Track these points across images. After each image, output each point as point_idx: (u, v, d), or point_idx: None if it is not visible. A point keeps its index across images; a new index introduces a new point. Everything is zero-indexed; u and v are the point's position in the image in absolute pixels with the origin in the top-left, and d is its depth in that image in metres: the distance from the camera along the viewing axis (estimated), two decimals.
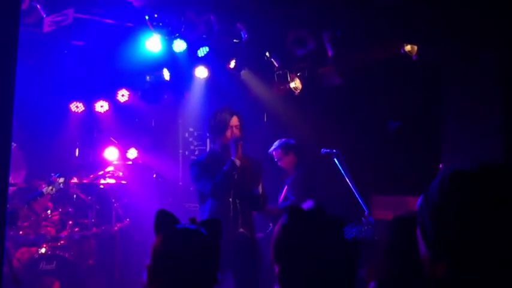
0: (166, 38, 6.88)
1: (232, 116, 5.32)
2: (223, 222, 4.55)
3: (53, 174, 6.57)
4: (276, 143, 7.05)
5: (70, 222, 6.87)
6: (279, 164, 7.04)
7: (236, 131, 5.28)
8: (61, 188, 6.57)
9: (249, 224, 5.27)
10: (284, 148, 6.98)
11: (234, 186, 5.14)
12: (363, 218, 5.32)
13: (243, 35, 7.04)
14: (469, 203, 1.41)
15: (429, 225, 1.48)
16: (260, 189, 5.29)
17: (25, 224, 6.57)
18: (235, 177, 5.11)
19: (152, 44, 6.94)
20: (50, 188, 6.46)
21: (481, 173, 1.45)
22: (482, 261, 1.39)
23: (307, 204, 1.99)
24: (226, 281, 5.14)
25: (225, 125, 5.27)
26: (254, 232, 5.38)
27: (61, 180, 6.54)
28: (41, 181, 6.67)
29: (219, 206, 5.12)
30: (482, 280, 1.39)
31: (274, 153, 7.01)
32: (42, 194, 6.45)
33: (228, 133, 5.25)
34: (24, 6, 5.42)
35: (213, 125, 5.37)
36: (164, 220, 2.32)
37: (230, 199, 5.16)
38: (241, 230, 5.15)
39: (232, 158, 5.12)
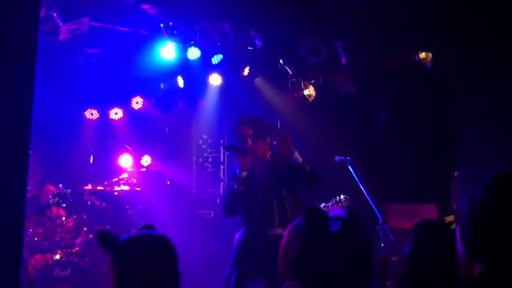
0: (181, 45, 6.91)
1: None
2: (257, 222, 4.44)
3: (60, 186, 6.60)
4: None
5: (85, 228, 6.89)
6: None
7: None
8: (68, 197, 6.58)
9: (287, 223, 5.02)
10: None
11: (262, 188, 4.98)
12: (377, 226, 5.29)
13: (256, 43, 7.06)
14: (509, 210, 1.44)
15: (468, 227, 1.53)
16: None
17: (40, 230, 6.61)
18: (247, 190, 4.93)
19: (166, 51, 6.97)
20: (56, 199, 6.48)
21: None
22: None
23: (337, 212, 1.92)
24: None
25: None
26: None
27: (68, 191, 6.56)
28: (53, 186, 6.70)
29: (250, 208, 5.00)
30: None
31: None
32: (49, 205, 6.48)
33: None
34: (41, 14, 5.47)
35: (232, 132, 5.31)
36: (107, 241, 2.33)
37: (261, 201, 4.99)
38: (278, 230, 4.88)
39: (237, 171, 4.98)
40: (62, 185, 6.60)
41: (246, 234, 4.99)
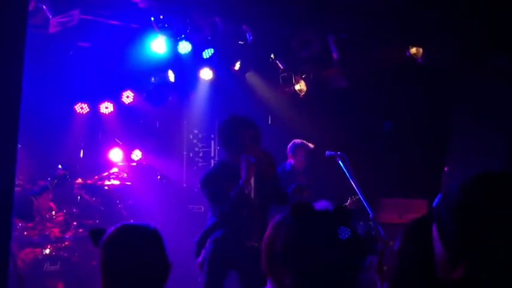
0: (172, 39, 6.89)
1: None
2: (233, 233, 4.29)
3: (59, 167, 6.55)
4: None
5: (74, 223, 6.87)
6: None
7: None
8: (67, 179, 6.54)
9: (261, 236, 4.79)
10: None
11: (253, 196, 4.69)
12: (368, 221, 5.31)
13: (248, 37, 7.05)
14: (494, 206, 1.39)
15: (449, 226, 1.46)
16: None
17: (29, 224, 6.57)
18: (247, 200, 4.62)
19: (157, 45, 6.95)
20: (55, 181, 6.44)
21: (508, 176, 1.44)
22: (502, 264, 1.38)
23: (322, 204, 1.92)
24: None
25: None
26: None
27: (67, 172, 6.53)
28: (47, 178, 6.66)
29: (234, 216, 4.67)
30: (501, 283, 1.38)
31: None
32: (47, 188, 6.43)
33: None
34: (30, 7, 5.43)
35: (226, 135, 4.85)
36: (97, 236, 2.37)
37: (248, 210, 4.69)
38: (251, 243, 4.68)
39: (241, 182, 4.60)
40: (61, 166, 6.56)
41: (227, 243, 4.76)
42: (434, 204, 1.57)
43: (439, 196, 1.55)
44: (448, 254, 1.46)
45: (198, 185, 8.41)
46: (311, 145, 7.00)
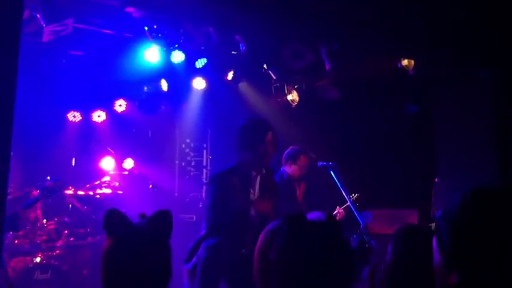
0: (165, 49, 6.91)
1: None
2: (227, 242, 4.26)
3: (47, 178, 6.50)
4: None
5: (66, 231, 6.84)
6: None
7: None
8: (56, 191, 6.50)
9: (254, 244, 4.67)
10: None
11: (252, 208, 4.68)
12: (358, 231, 5.32)
13: (241, 47, 7.08)
14: (488, 220, 1.56)
15: (446, 237, 1.62)
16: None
17: (20, 233, 6.54)
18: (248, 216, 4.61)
19: (150, 54, 6.97)
20: (44, 193, 6.40)
21: (503, 192, 1.61)
22: (493, 273, 1.54)
23: (314, 215, 1.94)
24: None
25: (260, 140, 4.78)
26: None
27: (57, 183, 6.48)
28: (36, 188, 6.63)
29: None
30: None
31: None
32: (37, 200, 6.41)
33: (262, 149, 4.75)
34: (25, 15, 5.43)
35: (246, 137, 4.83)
36: (115, 221, 2.27)
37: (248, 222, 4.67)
38: (244, 251, 4.64)
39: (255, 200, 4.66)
40: (50, 178, 6.51)
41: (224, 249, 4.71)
42: (436, 216, 1.77)
43: (440, 210, 1.75)
44: (444, 262, 1.63)
45: (191, 194, 8.47)
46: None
